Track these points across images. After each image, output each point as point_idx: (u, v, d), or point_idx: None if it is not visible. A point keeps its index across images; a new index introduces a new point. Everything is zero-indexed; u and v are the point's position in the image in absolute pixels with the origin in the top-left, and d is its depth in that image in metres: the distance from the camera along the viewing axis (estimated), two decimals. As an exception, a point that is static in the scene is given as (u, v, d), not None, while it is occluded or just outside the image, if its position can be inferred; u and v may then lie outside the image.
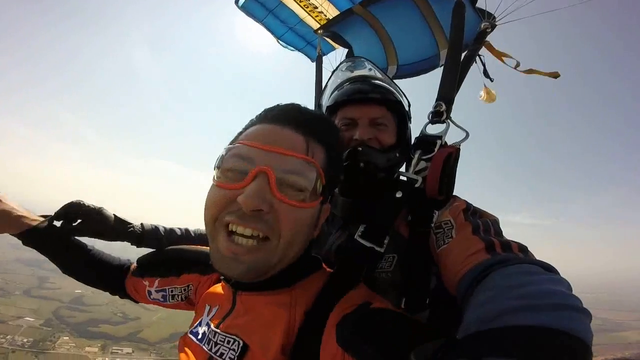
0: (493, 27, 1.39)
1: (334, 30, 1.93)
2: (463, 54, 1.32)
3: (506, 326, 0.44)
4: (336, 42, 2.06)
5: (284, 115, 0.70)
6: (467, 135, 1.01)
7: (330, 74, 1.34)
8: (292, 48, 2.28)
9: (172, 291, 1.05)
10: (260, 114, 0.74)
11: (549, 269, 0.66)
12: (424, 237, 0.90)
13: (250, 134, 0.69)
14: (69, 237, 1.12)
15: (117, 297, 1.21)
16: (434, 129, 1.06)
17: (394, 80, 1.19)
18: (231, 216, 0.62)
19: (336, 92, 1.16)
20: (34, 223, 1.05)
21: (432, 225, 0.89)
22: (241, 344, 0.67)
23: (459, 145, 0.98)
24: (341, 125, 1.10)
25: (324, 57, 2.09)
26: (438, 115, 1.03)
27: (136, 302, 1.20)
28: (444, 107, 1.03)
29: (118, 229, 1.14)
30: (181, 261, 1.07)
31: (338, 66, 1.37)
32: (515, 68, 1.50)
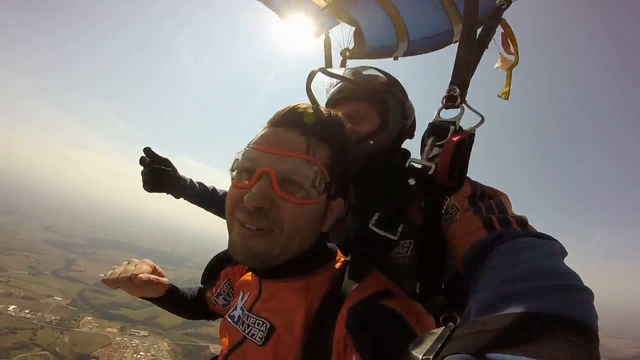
0: (509, 3, 1.27)
1: (340, 8, 1.84)
2: (478, 32, 1.23)
3: (503, 314, 0.43)
4: (342, 20, 1.98)
5: (287, 119, 0.77)
6: (483, 119, 0.96)
7: None
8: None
9: (224, 291, 1.17)
10: (270, 118, 0.81)
11: (546, 239, 0.68)
12: (436, 224, 0.92)
13: (258, 139, 0.77)
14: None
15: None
16: (448, 114, 1.01)
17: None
18: (241, 213, 0.71)
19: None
20: (166, 288, 1.19)
21: (443, 211, 0.92)
22: (268, 326, 0.76)
23: (474, 131, 0.93)
24: None
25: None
26: (452, 100, 0.98)
27: (221, 316, 1.29)
28: (457, 91, 0.97)
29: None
30: (218, 263, 1.22)
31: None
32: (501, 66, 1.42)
